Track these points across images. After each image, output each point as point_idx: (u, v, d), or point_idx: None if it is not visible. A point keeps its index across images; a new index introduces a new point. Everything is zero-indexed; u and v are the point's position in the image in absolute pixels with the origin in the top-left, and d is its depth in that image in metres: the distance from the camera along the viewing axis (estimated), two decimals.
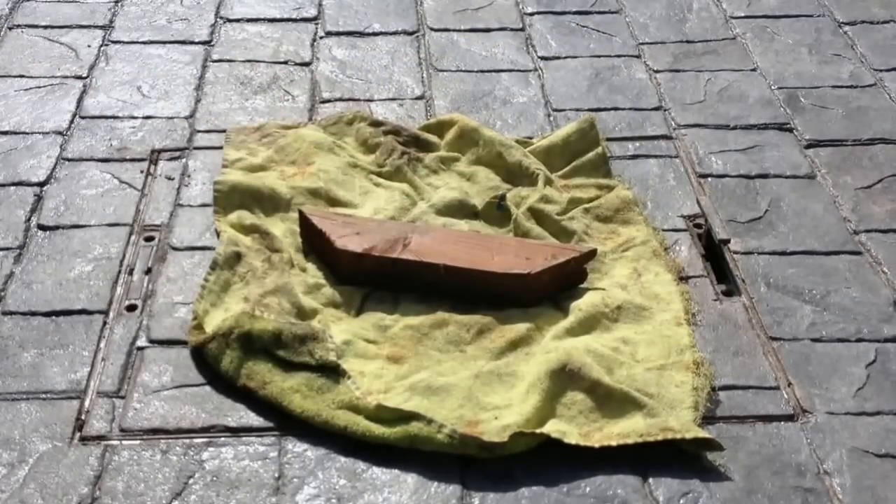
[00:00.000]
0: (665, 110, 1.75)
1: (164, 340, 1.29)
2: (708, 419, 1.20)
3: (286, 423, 1.19)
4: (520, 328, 1.30)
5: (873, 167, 1.62)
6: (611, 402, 1.19)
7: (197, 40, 1.88)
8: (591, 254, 1.38)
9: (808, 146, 1.67)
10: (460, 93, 1.78)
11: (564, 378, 1.21)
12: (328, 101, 1.76)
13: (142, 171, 1.57)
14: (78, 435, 1.17)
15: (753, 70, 1.85)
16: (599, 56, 1.89)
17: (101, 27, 1.93)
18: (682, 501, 1.11)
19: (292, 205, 1.48)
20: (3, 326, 1.31)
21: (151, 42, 1.89)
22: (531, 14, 2.02)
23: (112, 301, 1.35)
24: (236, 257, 1.37)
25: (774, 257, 1.45)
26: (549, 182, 1.53)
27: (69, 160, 1.60)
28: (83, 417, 1.19)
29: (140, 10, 1.98)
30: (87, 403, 1.21)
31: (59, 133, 1.65)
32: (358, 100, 1.76)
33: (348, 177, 1.55)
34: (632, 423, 1.17)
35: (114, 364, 1.26)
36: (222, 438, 1.17)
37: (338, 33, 1.95)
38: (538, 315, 1.32)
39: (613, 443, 1.15)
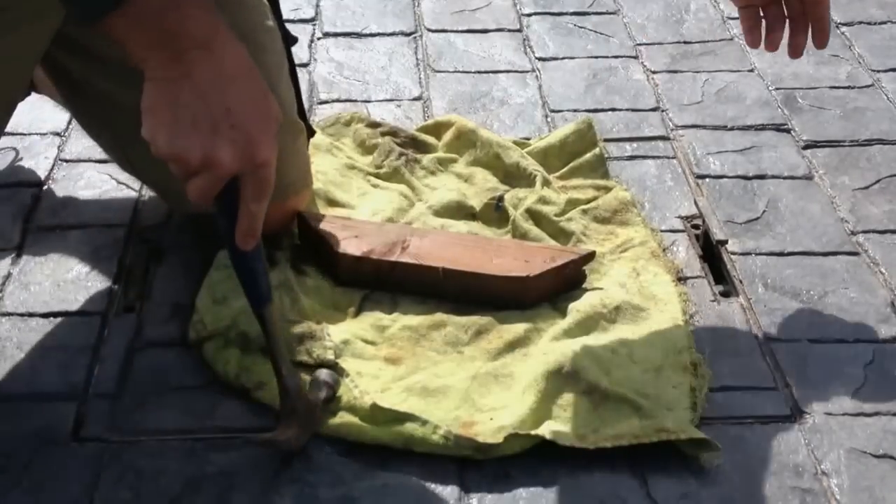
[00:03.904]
0: (663, 111, 1.75)
1: (163, 342, 1.29)
2: (705, 420, 1.20)
3: None
4: (518, 329, 1.30)
5: (871, 168, 1.63)
6: (607, 403, 1.19)
7: None
8: (590, 256, 1.38)
9: (806, 147, 1.67)
10: (458, 94, 1.78)
11: (561, 380, 1.21)
12: (325, 102, 1.76)
13: None
14: (76, 437, 1.17)
15: (751, 71, 1.85)
16: (597, 57, 1.89)
17: None
18: (680, 503, 1.11)
19: None
20: (1, 328, 1.31)
21: None
22: (528, 15, 2.02)
23: (110, 302, 1.35)
24: None
25: (772, 258, 1.45)
26: (546, 183, 1.54)
27: (67, 161, 1.60)
28: (81, 419, 1.19)
29: None
30: (85, 405, 1.21)
31: (57, 134, 1.65)
32: (355, 101, 1.77)
33: (346, 178, 1.54)
34: (628, 425, 1.17)
35: (112, 365, 1.26)
36: (221, 439, 1.17)
37: (335, 34, 1.95)
38: (536, 316, 1.32)
39: (608, 444, 1.15)
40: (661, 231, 1.49)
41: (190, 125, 0.92)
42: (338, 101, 1.76)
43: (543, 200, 1.49)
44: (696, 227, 1.49)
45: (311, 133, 1.47)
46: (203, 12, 0.90)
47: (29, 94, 1.60)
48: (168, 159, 0.94)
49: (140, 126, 0.94)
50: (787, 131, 1.70)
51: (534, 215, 1.47)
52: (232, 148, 0.93)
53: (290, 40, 1.40)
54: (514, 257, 1.36)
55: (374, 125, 1.66)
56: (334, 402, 1.18)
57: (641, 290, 1.36)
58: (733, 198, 1.56)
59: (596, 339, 1.28)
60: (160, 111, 0.91)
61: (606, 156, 1.61)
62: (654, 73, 1.85)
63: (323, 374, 1.19)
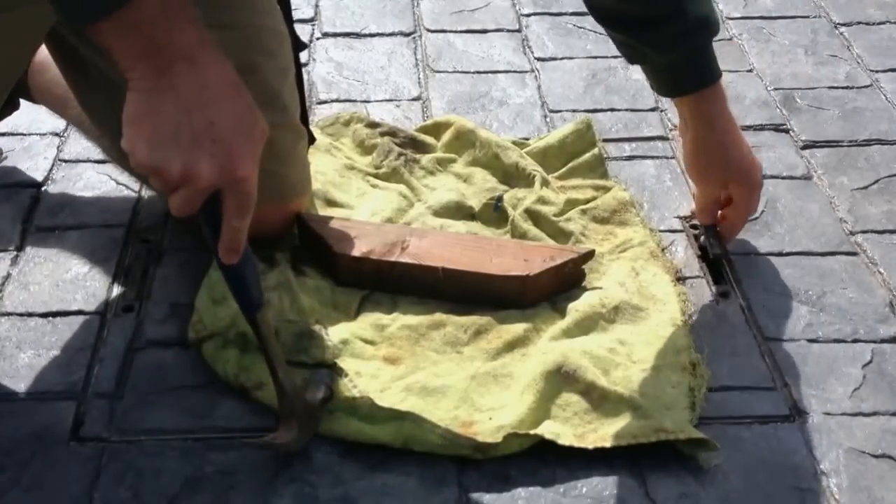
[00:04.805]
0: (661, 111, 1.75)
1: (162, 341, 1.29)
2: (704, 420, 1.20)
3: None
4: (517, 329, 1.30)
5: (869, 168, 1.63)
6: (605, 403, 1.19)
7: None
8: (589, 255, 1.38)
9: (805, 147, 1.67)
10: (457, 94, 1.78)
11: (559, 379, 1.21)
12: (325, 102, 1.76)
13: None
14: (75, 436, 1.17)
15: (749, 71, 1.85)
16: (596, 57, 1.89)
17: None
18: (679, 503, 1.11)
19: None
20: (1, 328, 1.31)
21: None
22: (528, 15, 2.02)
23: (109, 302, 1.35)
24: None
25: (771, 258, 1.45)
26: (545, 183, 1.54)
27: (66, 161, 1.60)
28: (81, 419, 1.19)
29: None
30: (84, 405, 1.21)
31: (56, 135, 1.65)
32: (354, 101, 1.77)
33: (345, 178, 1.55)
34: (626, 425, 1.17)
35: (111, 365, 1.26)
36: (220, 439, 1.17)
37: (334, 34, 1.95)
38: (535, 316, 1.33)
39: (607, 444, 1.15)
40: (660, 231, 1.49)
41: (171, 137, 0.90)
42: (337, 101, 1.77)
43: (542, 200, 1.49)
44: (694, 227, 1.49)
45: (312, 140, 1.47)
46: (191, 25, 0.88)
47: (18, 107, 1.59)
48: (147, 172, 0.93)
49: None
50: (786, 131, 1.70)
51: (533, 215, 1.47)
52: (212, 161, 0.92)
53: (299, 46, 1.40)
54: (514, 257, 1.36)
55: (373, 125, 1.66)
56: (333, 402, 1.18)
57: (640, 290, 1.37)
58: None
59: (595, 339, 1.28)
60: (141, 122, 0.90)
61: (605, 156, 1.62)
62: None
63: (321, 374, 1.20)
